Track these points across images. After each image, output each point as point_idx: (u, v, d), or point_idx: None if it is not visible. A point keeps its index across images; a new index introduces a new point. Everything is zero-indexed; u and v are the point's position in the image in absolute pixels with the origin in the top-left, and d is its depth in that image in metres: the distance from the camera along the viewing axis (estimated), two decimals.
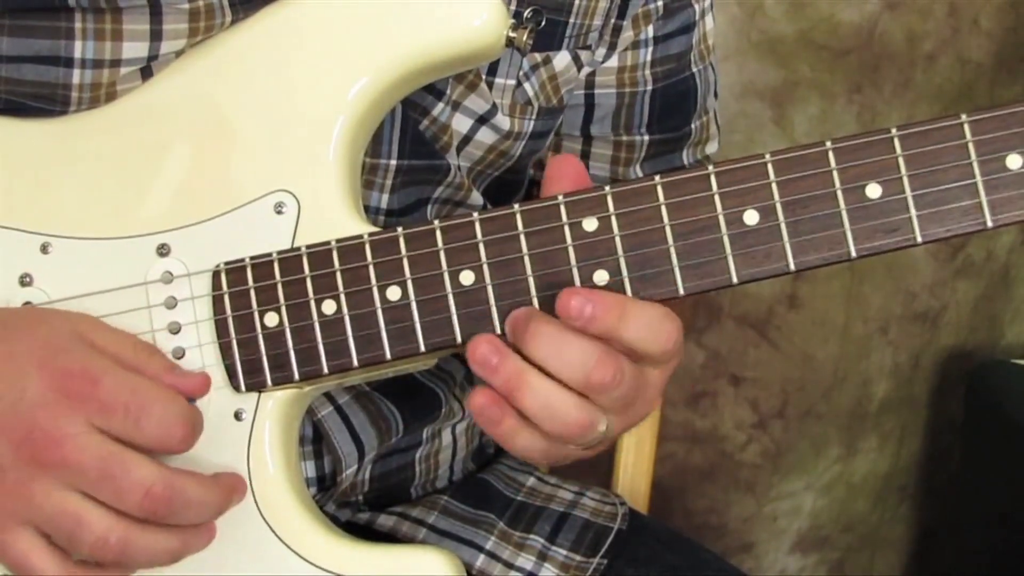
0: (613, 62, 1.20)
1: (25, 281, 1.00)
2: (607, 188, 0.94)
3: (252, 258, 0.99)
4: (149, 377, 0.95)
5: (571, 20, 1.14)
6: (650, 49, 1.20)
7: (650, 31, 1.19)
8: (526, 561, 1.22)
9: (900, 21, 2.14)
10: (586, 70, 1.19)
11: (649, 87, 1.22)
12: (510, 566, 1.22)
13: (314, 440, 1.19)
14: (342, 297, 0.97)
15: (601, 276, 0.95)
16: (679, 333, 0.94)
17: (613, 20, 1.17)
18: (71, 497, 0.90)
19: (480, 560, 1.22)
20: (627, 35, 1.18)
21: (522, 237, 0.95)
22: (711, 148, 1.31)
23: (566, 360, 0.91)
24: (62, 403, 0.90)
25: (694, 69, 1.25)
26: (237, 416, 1.00)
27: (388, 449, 1.23)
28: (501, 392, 0.92)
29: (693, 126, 1.27)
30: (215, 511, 0.97)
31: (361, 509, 1.26)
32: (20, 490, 0.90)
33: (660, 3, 1.19)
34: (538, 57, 1.14)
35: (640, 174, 1.26)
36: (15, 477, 0.90)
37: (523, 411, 0.92)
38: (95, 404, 0.90)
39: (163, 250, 1.00)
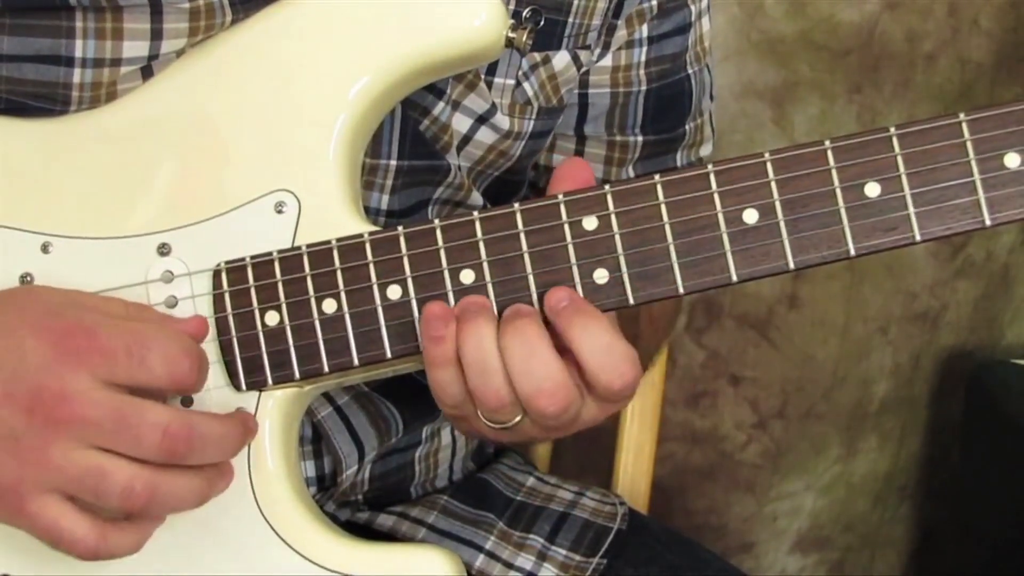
0: (607, 61, 1.19)
1: (26, 280, 1.00)
2: (607, 187, 0.95)
3: (253, 257, 0.99)
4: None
5: (570, 20, 1.13)
6: (644, 49, 1.20)
7: (644, 30, 1.19)
8: (526, 561, 1.22)
9: (900, 21, 2.14)
10: (584, 69, 1.19)
11: (643, 87, 1.22)
12: (510, 566, 1.22)
13: (314, 440, 1.19)
14: (342, 296, 0.97)
15: (601, 274, 0.95)
16: (632, 384, 0.93)
17: (610, 19, 1.17)
18: (90, 453, 0.89)
19: (480, 560, 1.22)
20: (621, 34, 1.18)
21: (522, 236, 0.95)
22: (705, 151, 1.31)
23: (529, 365, 0.92)
24: (64, 362, 0.90)
25: (689, 71, 1.24)
26: None
27: (387, 449, 1.24)
28: (457, 316, 0.93)
29: (687, 127, 1.27)
30: (233, 447, 0.96)
31: (360, 509, 1.26)
32: (38, 456, 0.89)
33: (655, 2, 1.18)
34: (537, 57, 1.14)
35: (632, 175, 1.26)
36: (30, 444, 0.90)
37: (460, 347, 0.93)
38: (96, 355, 0.90)
39: (164, 249, 1.00)
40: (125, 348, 0.90)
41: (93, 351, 0.90)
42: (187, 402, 0.99)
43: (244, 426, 0.98)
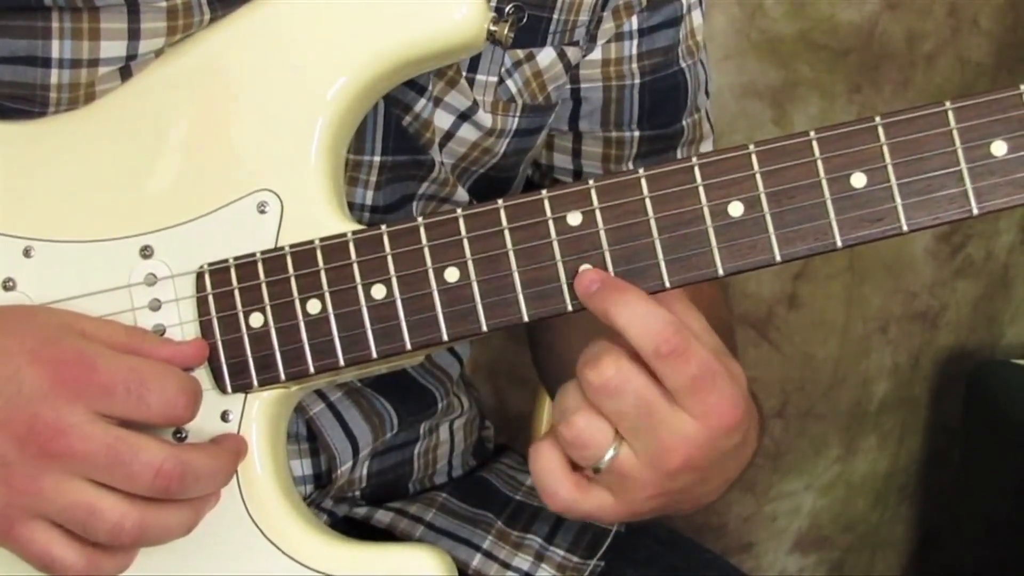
0: (596, 55, 1.19)
1: (8, 285, 1.00)
2: (590, 181, 0.94)
3: (236, 258, 0.98)
4: (143, 355, 0.95)
5: (555, 16, 1.13)
6: (635, 42, 1.19)
7: (634, 23, 1.19)
8: (523, 561, 1.21)
9: (900, 21, 2.14)
10: (574, 65, 1.18)
11: (636, 80, 1.21)
12: (507, 566, 1.21)
13: (309, 438, 1.18)
14: (327, 296, 0.97)
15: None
16: (679, 347, 0.91)
17: (598, 12, 1.16)
18: (81, 487, 0.90)
19: (476, 560, 1.22)
20: (608, 26, 1.17)
21: (506, 233, 0.95)
22: (705, 148, 1.30)
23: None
24: (61, 393, 0.90)
25: (682, 64, 1.23)
26: (224, 417, 0.99)
27: (385, 446, 1.23)
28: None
29: (684, 123, 1.26)
30: (224, 478, 0.97)
31: (358, 504, 1.26)
32: (29, 486, 0.90)
33: None
34: (520, 54, 1.13)
35: None
36: (23, 472, 0.90)
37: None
38: (94, 390, 0.90)
39: (146, 252, 0.99)
40: (124, 385, 0.91)
41: (91, 385, 0.91)
42: None
43: (235, 453, 0.98)
